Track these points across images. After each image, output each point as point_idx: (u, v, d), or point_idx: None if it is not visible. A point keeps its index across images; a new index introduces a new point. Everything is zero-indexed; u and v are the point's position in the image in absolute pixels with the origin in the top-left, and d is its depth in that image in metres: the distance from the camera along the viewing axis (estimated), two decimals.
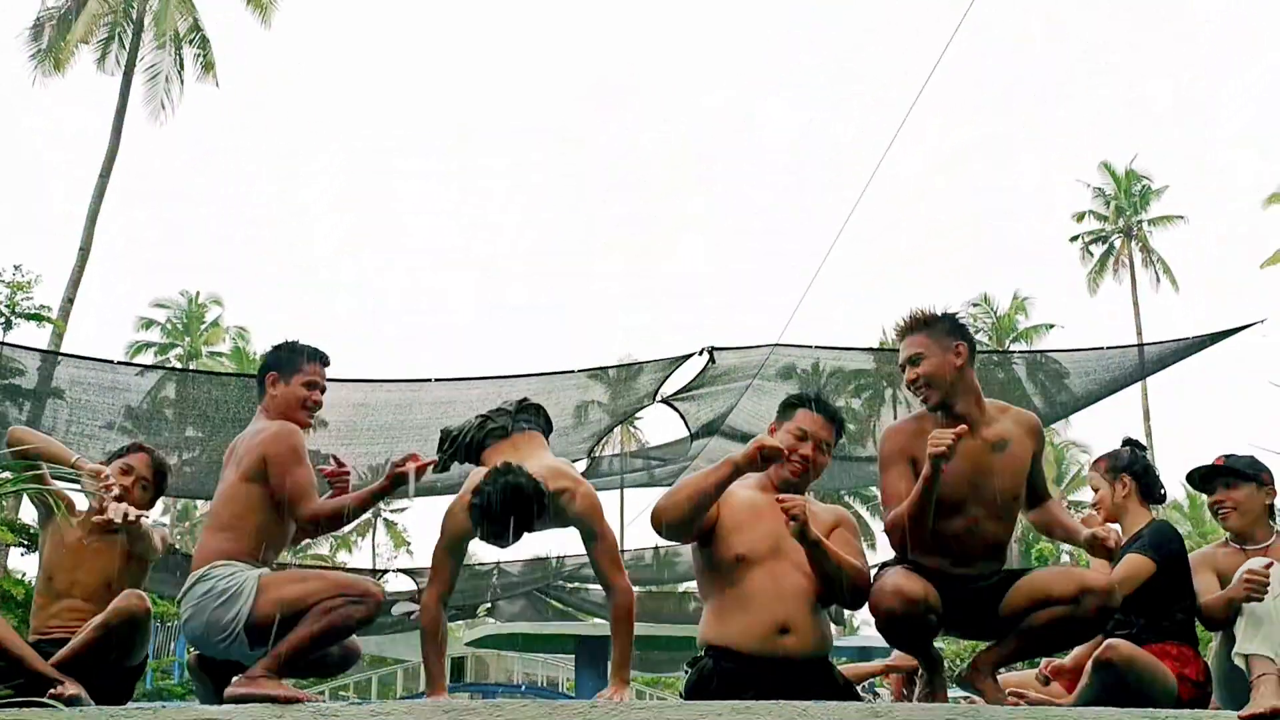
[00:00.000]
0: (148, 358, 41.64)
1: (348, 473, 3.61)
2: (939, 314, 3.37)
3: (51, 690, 3.05)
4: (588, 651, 9.24)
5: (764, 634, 3.19)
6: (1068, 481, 48.44)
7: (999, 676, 3.32)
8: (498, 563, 16.65)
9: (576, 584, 17.29)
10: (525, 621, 17.88)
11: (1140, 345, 12.13)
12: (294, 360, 3.62)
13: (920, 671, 3.31)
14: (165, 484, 4.03)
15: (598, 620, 14.83)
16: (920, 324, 3.35)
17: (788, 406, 3.52)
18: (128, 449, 3.99)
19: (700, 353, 8.23)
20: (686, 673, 3.37)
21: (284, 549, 3.54)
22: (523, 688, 22.85)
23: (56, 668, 3.25)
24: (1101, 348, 11.40)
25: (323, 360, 3.70)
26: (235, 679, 3.11)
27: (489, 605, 18.17)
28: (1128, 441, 3.91)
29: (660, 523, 3.30)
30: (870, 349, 10.35)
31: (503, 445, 3.62)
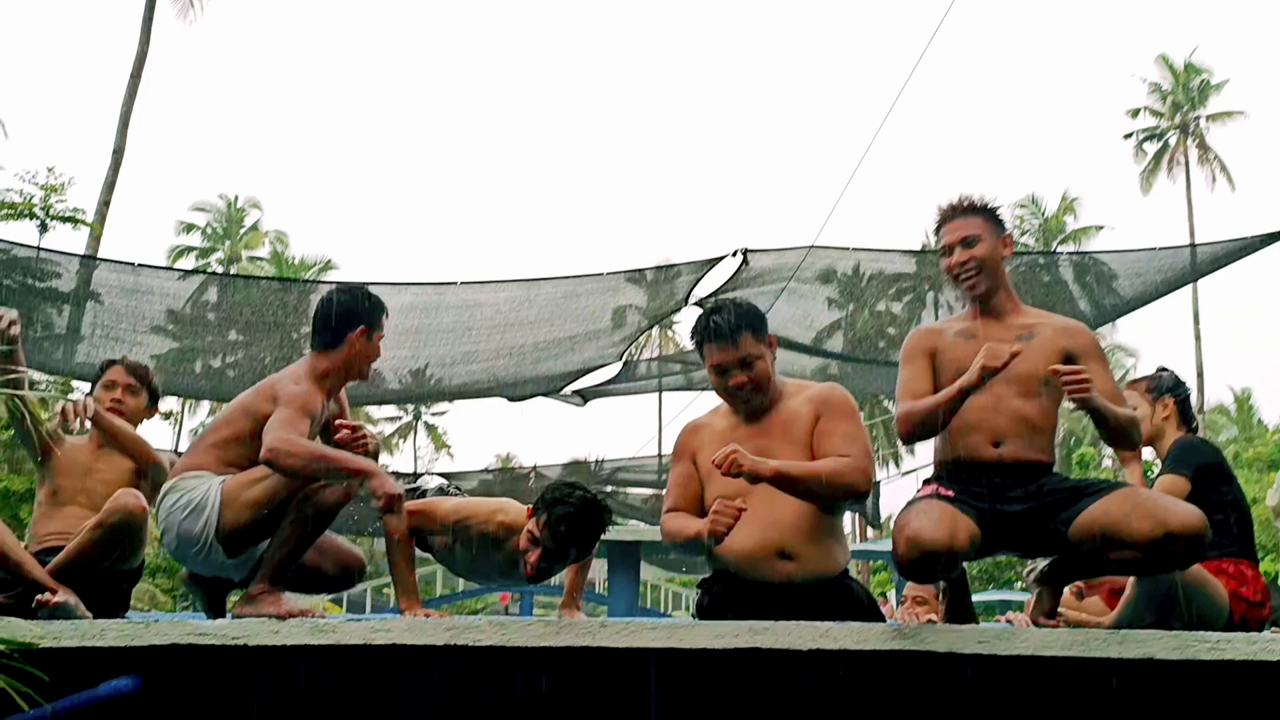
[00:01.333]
0: (189, 262, 41.99)
1: (364, 438, 3.31)
2: (988, 202, 3.16)
3: (39, 597, 2.95)
4: (620, 555, 9.19)
5: (762, 558, 3.01)
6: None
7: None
8: (535, 466, 16.71)
9: (614, 487, 17.34)
10: None
11: (1192, 246, 11.65)
12: (378, 316, 3.40)
13: (944, 588, 3.11)
14: (153, 382, 3.92)
15: (632, 523, 14.85)
16: (977, 207, 3.12)
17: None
18: (101, 368, 3.87)
19: (734, 254, 7.95)
20: (699, 593, 3.22)
21: None
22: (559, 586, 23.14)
23: (54, 575, 3.15)
24: (1153, 248, 11.00)
25: (387, 313, 3.48)
26: (237, 602, 2.98)
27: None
28: (1163, 369, 3.77)
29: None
30: (911, 251, 9.95)
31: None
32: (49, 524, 3.60)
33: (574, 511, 3.11)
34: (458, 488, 4.07)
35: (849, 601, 3.04)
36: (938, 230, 3.18)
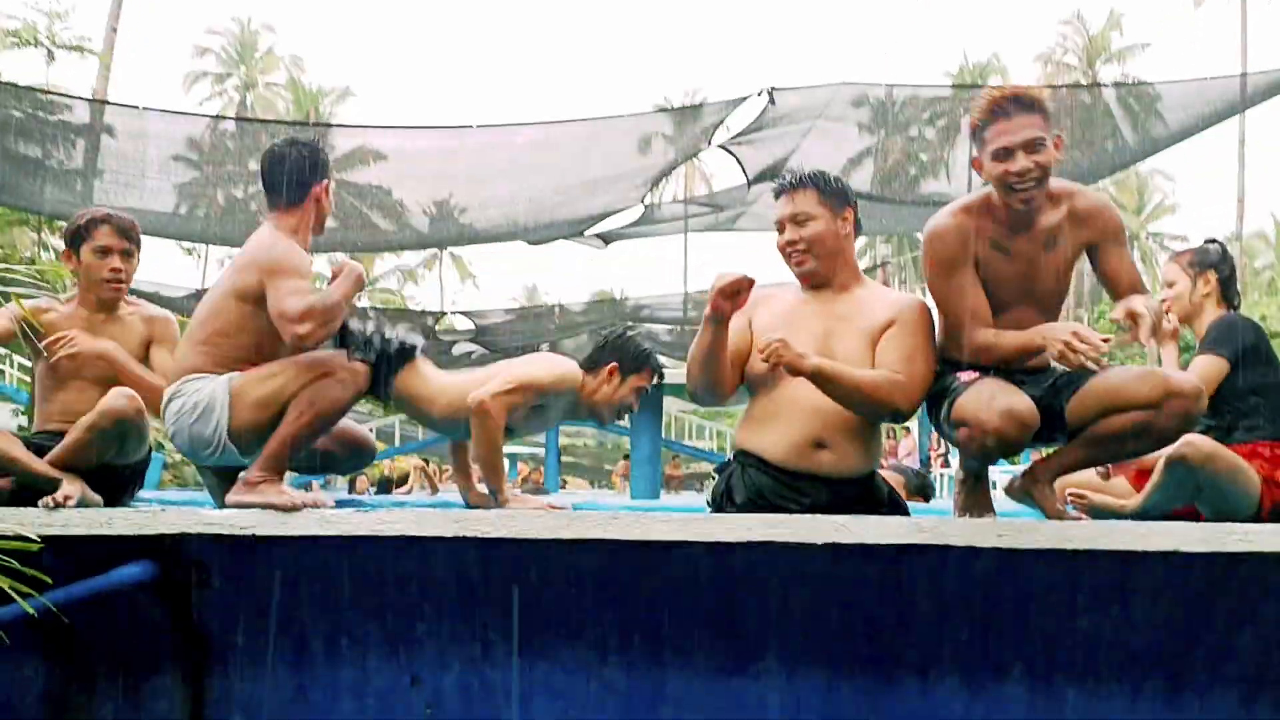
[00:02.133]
0: (205, 87, 41.32)
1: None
2: (1044, 97, 2.93)
3: (43, 500, 2.90)
4: (643, 401, 9.20)
5: (798, 447, 2.93)
6: (1149, 211, 47.04)
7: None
8: (559, 302, 16.71)
9: (641, 323, 17.35)
10: None
11: (1243, 75, 11.09)
12: (328, 166, 3.26)
13: (962, 479, 3.02)
14: (137, 236, 3.54)
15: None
16: (1035, 104, 2.85)
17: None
18: (85, 225, 3.42)
19: (759, 94, 7.63)
20: (714, 480, 3.16)
21: None
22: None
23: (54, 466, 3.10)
24: (1201, 78, 10.51)
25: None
26: (235, 484, 2.93)
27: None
28: (1210, 240, 3.51)
29: (694, 398, 3.18)
30: (945, 86, 9.52)
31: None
32: (51, 404, 3.42)
33: (642, 350, 3.29)
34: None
35: (873, 499, 2.98)
36: (985, 122, 2.88)
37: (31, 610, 2.32)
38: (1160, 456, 3.04)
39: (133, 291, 3.68)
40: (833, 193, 3.06)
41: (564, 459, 25.05)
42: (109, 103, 8.94)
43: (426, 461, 15.18)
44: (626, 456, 20.30)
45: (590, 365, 3.21)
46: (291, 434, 2.87)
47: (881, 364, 2.93)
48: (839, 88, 8.07)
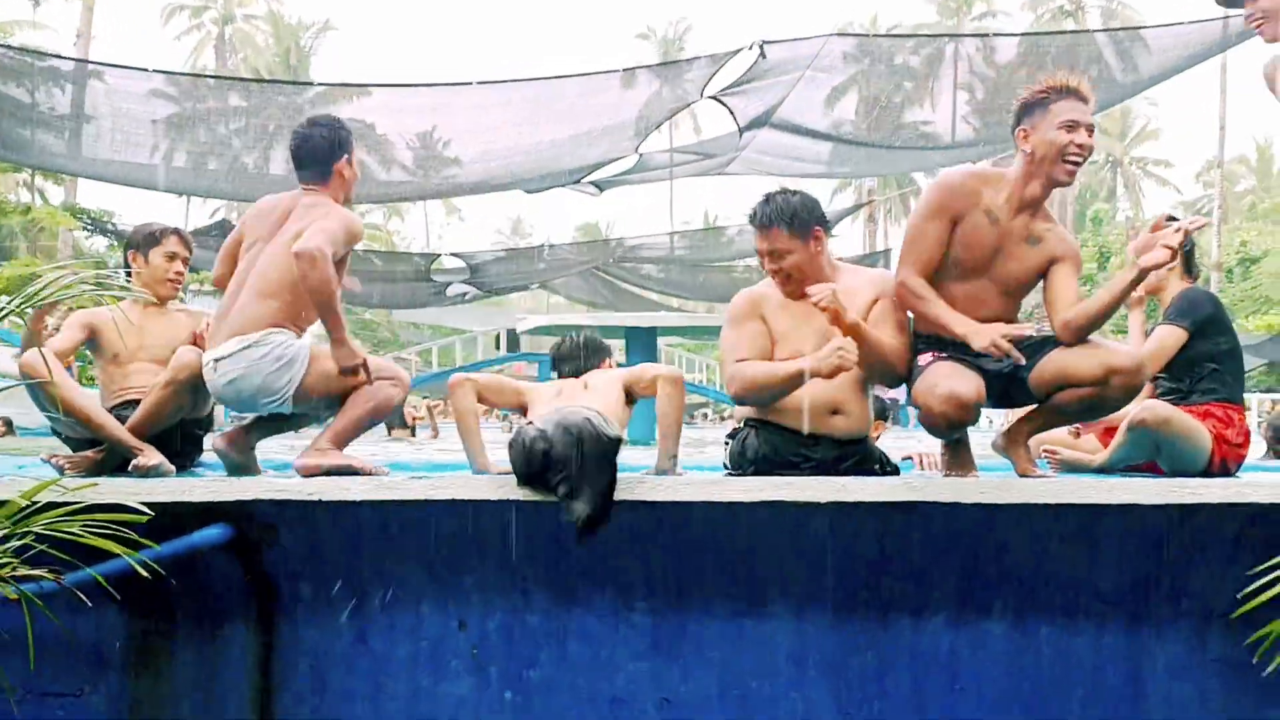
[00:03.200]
0: (183, 20, 40.66)
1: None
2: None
3: (134, 463, 3.26)
4: (638, 342, 9.54)
5: (815, 413, 3.26)
6: (1132, 136, 47.16)
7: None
8: (547, 241, 16.92)
9: (633, 263, 17.61)
10: (577, 311, 18.36)
11: (1225, 19, 11.27)
12: (351, 140, 3.63)
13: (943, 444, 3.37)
14: (192, 247, 4.07)
15: (645, 312, 15.25)
16: (1090, 101, 3.21)
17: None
18: (156, 234, 3.92)
19: (750, 48, 7.84)
20: (728, 444, 3.49)
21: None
22: None
23: (133, 433, 3.45)
24: (1179, 22, 10.69)
25: None
26: (304, 452, 3.29)
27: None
28: (1170, 218, 3.82)
29: (739, 400, 3.41)
30: (927, 38, 9.69)
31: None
32: (120, 380, 3.83)
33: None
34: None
35: (870, 456, 3.35)
36: (1053, 97, 3.17)
37: (139, 568, 2.65)
38: (1124, 417, 3.40)
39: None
40: (800, 224, 3.35)
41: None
42: (90, 61, 8.99)
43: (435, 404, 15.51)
44: None
45: None
46: (357, 418, 3.30)
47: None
48: (828, 39, 8.27)
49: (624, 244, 15.52)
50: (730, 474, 3.35)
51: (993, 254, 3.22)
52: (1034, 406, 3.27)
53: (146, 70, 8.32)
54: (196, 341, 3.75)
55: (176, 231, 3.97)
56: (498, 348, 25.94)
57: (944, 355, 3.21)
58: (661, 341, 15.96)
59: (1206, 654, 3.05)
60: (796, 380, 3.16)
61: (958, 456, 3.28)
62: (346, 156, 3.56)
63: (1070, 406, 3.15)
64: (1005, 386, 3.23)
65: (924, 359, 3.23)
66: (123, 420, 3.49)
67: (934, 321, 3.18)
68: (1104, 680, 3.08)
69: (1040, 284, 3.32)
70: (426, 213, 43.79)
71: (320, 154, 3.53)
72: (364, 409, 3.33)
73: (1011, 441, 3.28)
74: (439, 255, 16.19)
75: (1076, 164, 3.17)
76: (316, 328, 3.52)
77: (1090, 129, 3.18)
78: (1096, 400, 3.11)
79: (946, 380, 3.09)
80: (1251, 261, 31.79)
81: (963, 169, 3.37)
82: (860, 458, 3.34)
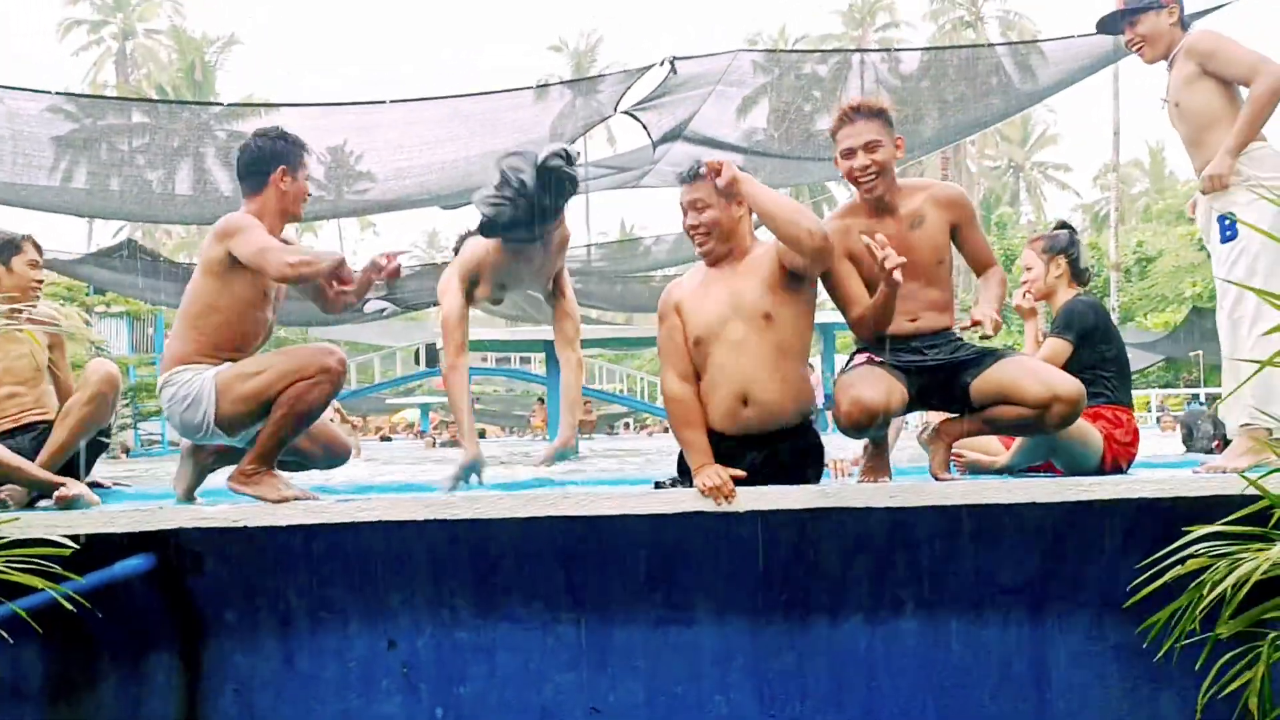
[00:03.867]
0: (80, 36, 39.58)
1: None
2: (886, 106, 3.46)
3: (58, 494, 3.22)
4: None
5: (728, 410, 3.28)
6: (1033, 142, 48.59)
7: None
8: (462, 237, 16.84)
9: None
10: (497, 326, 18.32)
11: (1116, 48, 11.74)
12: (298, 152, 3.50)
13: (865, 444, 3.50)
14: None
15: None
16: (877, 112, 3.39)
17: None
18: (14, 242, 3.84)
19: (661, 63, 7.98)
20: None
21: (264, 340, 3.56)
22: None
23: (51, 459, 3.41)
24: (1069, 36, 11.12)
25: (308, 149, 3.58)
26: (230, 476, 3.28)
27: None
28: (1062, 225, 4.06)
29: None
30: (832, 52, 9.94)
31: None
32: None
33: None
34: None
35: (813, 451, 3.37)
36: (836, 129, 3.43)
37: (64, 601, 2.64)
38: None
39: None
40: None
41: (476, 407, 25.37)
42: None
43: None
44: (541, 400, 20.71)
45: None
46: (276, 433, 3.22)
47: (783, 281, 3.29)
48: (737, 54, 8.45)
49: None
50: (673, 483, 3.40)
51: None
52: (961, 413, 3.42)
53: (49, 92, 8.09)
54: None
55: (31, 238, 3.89)
56: (417, 363, 25.73)
57: (879, 360, 3.35)
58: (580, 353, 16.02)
59: (1105, 641, 3.22)
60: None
61: (873, 460, 3.41)
62: (283, 168, 3.44)
63: (1003, 421, 3.31)
64: (946, 391, 3.38)
65: (857, 359, 3.38)
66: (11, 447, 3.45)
67: (878, 312, 3.31)
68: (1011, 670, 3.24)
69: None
70: (340, 228, 43.23)
71: (254, 165, 3.46)
72: (280, 423, 3.23)
73: (936, 439, 3.43)
74: (355, 272, 15.97)
75: (867, 183, 3.38)
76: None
77: (868, 145, 3.36)
78: (1032, 420, 3.25)
79: (859, 384, 3.22)
80: (1148, 261, 33.06)
81: (827, 219, 3.50)
82: (798, 450, 3.33)
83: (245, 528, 3.05)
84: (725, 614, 3.22)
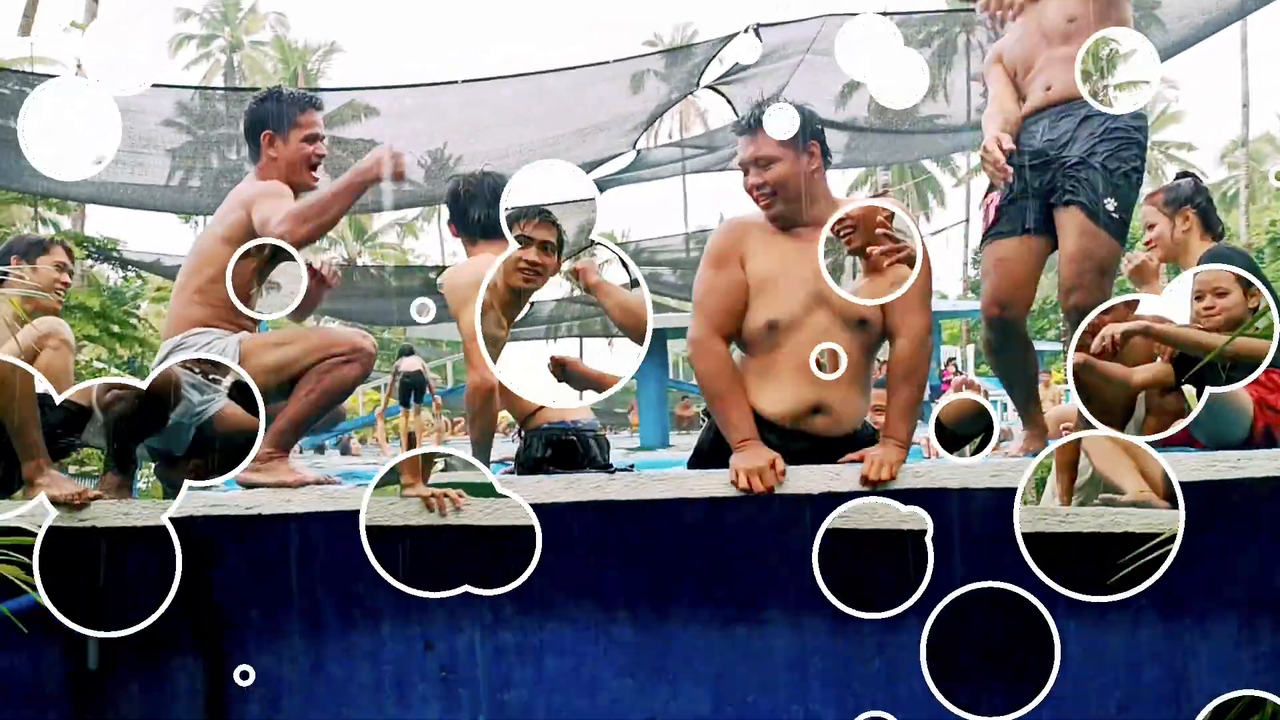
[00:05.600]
0: (190, 50, 40.93)
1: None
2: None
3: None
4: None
5: (796, 410, 2.88)
6: (1153, 119, 46.56)
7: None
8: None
9: (646, 266, 17.34)
10: None
11: None
12: (289, 112, 3.23)
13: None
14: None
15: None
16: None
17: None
18: (43, 244, 3.65)
19: (745, 31, 7.53)
20: (705, 421, 3.18)
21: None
22: None
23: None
24: None
25: (315, 105, 3.32)
26: (245, 463, 2.97)
27: None
28: (1184, 174, 3.48)
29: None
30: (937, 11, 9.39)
31: None
32: None
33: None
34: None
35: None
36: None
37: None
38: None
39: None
40: (794, 130, 2.85)
41: None
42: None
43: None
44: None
45: None
46: (300, 413, 2.95)
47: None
48: (825, 20, 7.95)
49: (634, 247, 15.21)
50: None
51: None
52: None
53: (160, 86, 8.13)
54: None
55: (63, 243, 3.72)
56: None
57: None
58: (672, 345, 15.63)
59: (1256, 647, 2.74)
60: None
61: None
62: (269, 132, 3.19)
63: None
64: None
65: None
66: None
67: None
68: None
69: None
70: (441, 232, 43.77)
71: (246, 133, 3.26)
72: (307, 399, 2.94)
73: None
74: (445, 267, 15.92)
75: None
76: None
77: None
78: None
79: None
80: None
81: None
82: (849, 449, 2.89)
83: (259, 515, 2.77)
84: (801, 613, 2.81)
